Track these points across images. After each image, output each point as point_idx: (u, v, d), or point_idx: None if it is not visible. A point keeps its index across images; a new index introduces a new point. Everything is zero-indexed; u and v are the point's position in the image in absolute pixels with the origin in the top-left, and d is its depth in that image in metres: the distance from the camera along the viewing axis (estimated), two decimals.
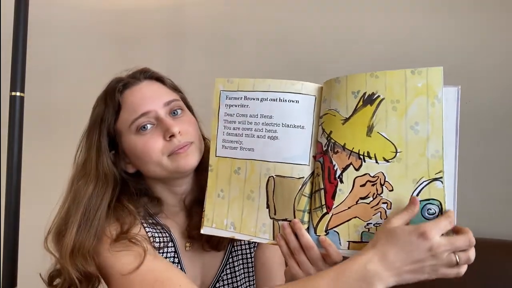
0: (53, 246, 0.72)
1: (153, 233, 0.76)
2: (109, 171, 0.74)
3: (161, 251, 0.76)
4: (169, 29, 1.52)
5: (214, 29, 1.48)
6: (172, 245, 0.78)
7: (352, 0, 1.36)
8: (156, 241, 0.75)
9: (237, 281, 0.83)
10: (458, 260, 0.52)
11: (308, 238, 0.62)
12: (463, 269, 0.53)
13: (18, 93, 1.09)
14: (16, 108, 1.09)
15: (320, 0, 1.39)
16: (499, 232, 1.14)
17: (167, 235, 0.78)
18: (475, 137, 1.19)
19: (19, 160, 1.09)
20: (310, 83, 0.65)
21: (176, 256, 0.78)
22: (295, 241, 0.62)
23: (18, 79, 1.10)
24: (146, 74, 0.79)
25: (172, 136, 0.71)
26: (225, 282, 0.82)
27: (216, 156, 0.70)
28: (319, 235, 0.62)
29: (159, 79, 0.80)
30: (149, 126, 0.73)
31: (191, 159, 0.73)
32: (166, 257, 0.77)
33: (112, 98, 0.75)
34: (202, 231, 0.70)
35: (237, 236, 0.68)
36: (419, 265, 0.52)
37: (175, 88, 0.82)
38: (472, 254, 0.54)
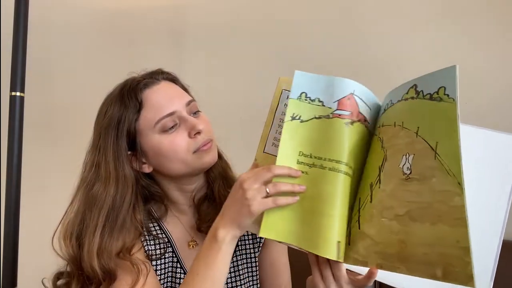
0: (66, 248, 0.71)
1: (150, 247, 0.78)
2: (129, 173, 0.74)
3: (159, 261, 0.78)
4: (169, 29, 1.52)
5: (214, 29, 1.48)
6: (171, 250, 0.80)
7: (355, 4, 1.36)
8: (153, 253, 0.77)
9: (240, 280, 0.83)
10: (268, 191, 0.59)
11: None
12: (281, 201, 0.59)
13: (18, 93, 1.09)
14: (16, 108, 1.09)
15: (321, 3, 1.39)
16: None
17: (166, 240, 0.80)
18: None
19: (19, 160, 1.09)
20: None
21: (174, 255, 0.80)
22: None
23: (18, 79, 1.10)
24: (164, 75, 0.80)
25: (198, 133, 0.74)
26: (228, 280, 0.82)
27: (264, 152, 0.69)
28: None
29: (174, 80, 0.82)
30: (172, 125, 0.74)
31: (214, 155, 0.76)
32: (165, 261, 0.79)
33: (131, 98, 0.74)
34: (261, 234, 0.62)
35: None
36: (239, 202, 0.60)
37: (185, 89, 0.84)
38: (281, 185, 0.59)
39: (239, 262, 0.84)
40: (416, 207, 0.51)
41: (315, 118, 0.61)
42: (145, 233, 0.78)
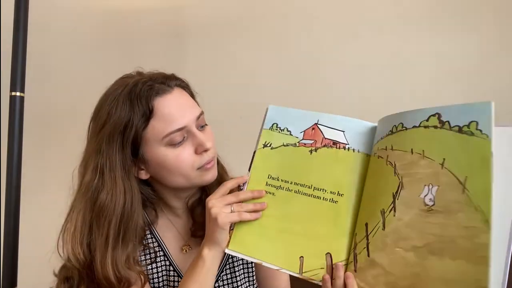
0: (76, 256, 0.70)
1: (141, 257, 0.79)
2: (135, 183, 0.74)
3: (150, 266, 0.79)
4: (169, 29, 1.51)
5: (214, 29, 1.48)
6: (163, 254, 0.81)
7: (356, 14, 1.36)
8: (142, 259, 0.79)
9: (237, 281, 0.83)
10: (232, 209, 0.66)
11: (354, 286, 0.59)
12: (245, 216, 0.66)
13: (18, 93, 1.09)
14: (16, 108, 1.09)
15: (322, 4, 1.39)
16: None
17: (156, 245, 0.80)
18: None
19: (19, 160, 1.09)
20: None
21: (167, 259, 0.81)
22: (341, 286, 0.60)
23: (18, 79, 1.10)
24: (176, 82, 0.76)
25: (205, 151, 0.73)
26: (225, 282, 0.83)
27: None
28: None
29: (185, 87, 0.79)
30: (181, 140, 0.72)
31: (215, 172, 0.77)
32: (157, 265, 0.80)
33: (142, 103, 0.70)
34: (226, 251, 0.68)
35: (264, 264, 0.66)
36: (209, 220, 0.67)
37: (193, 95, 0.81)
38: (244, 205, 0.67)
39: (236, 264, 0.84)
40: (437, 240, 0.50)
41: (283, 145, 0.70)
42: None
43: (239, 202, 0.68)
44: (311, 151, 0.68)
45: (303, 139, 0.69)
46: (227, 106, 1.44)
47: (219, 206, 0.66)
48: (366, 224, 0.59)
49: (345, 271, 0.60)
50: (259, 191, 0.68)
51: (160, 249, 0.80)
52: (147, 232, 0.81)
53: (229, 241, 0.67)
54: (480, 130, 0.50)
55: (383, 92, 1.27)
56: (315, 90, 1.36)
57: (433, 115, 0.55)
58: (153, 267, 0.80)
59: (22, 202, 1.09)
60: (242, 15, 1.47)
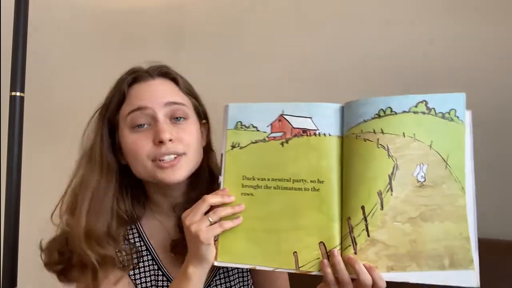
0: (65, 221, 0.72)
1: (122, 252, 0.74)
2: (111, 161, 0.73)
3: (135, 265, 0.76)
4: (169, 29, 1.52)
5: (214, 29, 1.48)
6: (149, 253, 0.78)
7: (353, 8, 1.36)
8: (125, 258, 0.74)
9: (231, 286, 0.81)
10: (210, 220, 0.62)
11: (362, 269, 0.59)
12: (226, 224, 0.63)
13: (18, 93, 1.10)
14: (16, 108, 1.09)
15: (322, 4, 1.39)
16: (498, 232, 1.14)
17: (142, 244, 0.78)
18: (475, 137, 1.19)
19: (19, 160, 1.09)
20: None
21: (154, 263, 0.77)
22: (345, 272, 0.60)
23: (18, 79, 1.10)
24: (161, 71, 0.76)
25: (161, 142, 0.68)
26: (218, 287, 0.80)
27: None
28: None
29: (174, 79, 0.77)
30: (145, 126, 0.70)
31: (178, 174, 0.70)
32: (143, 266, 0.77)
33: (119, 88, 0.73)
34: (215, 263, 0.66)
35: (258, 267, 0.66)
36: (189, 238, 0.64)
37: (189, 93, 0.78)
38: (221, 210, 0.63)
39: (230, 273, 0.82)
40: (428, 209, 0.60)
41: (252, 143, 0.67)
42: (118, 247, 0.73)
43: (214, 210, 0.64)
44: (282, 144, 0.66)
45: (271, 133, 0.67)
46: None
47: (196, 221, 0.62)
48: (363, 207, 0.61)
49: (341, 255, 0.61)
50: (228, 196, 0.65)
51: (147, 252, 0.78)
52: (134, 230, 0.78)
53: (216, 254, 0.65)
54: (458, 117, 0.61)
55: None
56: (316, 90, 1.36)
57: (421, 102, 0.61)
58: (140, 271, 0.76)
59: (22, 202, 1.09)
60: (242, 15, 1.47)
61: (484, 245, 1.05)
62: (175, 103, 0.72)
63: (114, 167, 0.73)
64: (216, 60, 1.48)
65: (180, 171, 0.70)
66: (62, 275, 0.73)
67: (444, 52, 1.24)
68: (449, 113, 0.61)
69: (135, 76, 0.74)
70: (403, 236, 0.60)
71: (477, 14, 1.23)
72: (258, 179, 0.66)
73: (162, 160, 0.69)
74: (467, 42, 1.23)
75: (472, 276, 0.58)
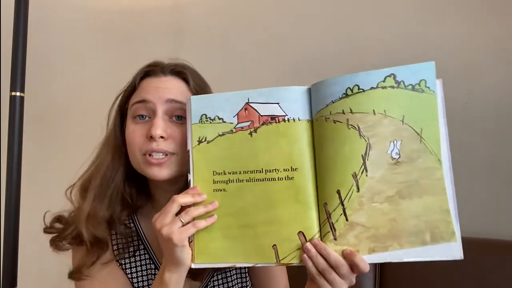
0: (77, 198, 0.75)
1: (119, 245, 0.76)
2: (122, 145, 0.74)
3: (131, 259, 0.77)
4: (169, 29, 1.52)
5: (214, 29, 1.48)
6: (143, 247, 0.78)
7: (350, 5, 1.36)
8: (121, 251, 0.76)
9: (229, 287, 0.81)
10: (182, 220, 0.60)
11: (336, 256, 0.58)
12: (200, 224, 0.61)
13: (18, 93, 1.10)
14: (16, 108, 1.10)
15: (319, 2, 1.39)
16: (498, 232, 1.15)
17: (136, 238, 0.78)
18: (475, 137, 1.19)
19: (19, 160, 1.09)
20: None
21: (149, 257, 0.78)
22: (323, 262, 0.58)
23: (18, 79, 1.10)
24: (174, 70, 0.76)
25: (152, 138, 0.68)
26: None
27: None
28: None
29: (185, 79, 0.76)
30: (146, 118, 0.71)
31: (163, 172, 0.69)
32: (141, 264, 0.77)
33: (134, 79, 0.75)
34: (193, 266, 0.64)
35: (238, 265, 0.65)
36: (163, 243, 0.62)
37: (196, 93, 0.76)
38: (193, 210, 0.61)
39: (228, 274, 0.81)
40: (405, 186, 0.58)
41: (219, 135, 0.65)
42: (115, 229, 0.76)
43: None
44: (250, 133, 0.63)
45: (238, 123, 0.64)
46: None
47: (167, 223, 0.60)
48: (338, 191, 0.59)
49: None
50: (198, 195, 0.63)
51: (144, 250, 0.78)
52: (131, 223, 0.79)
53: (193, 255, 0.63)
54: (428, 87, 0.59)
55: None
56: None
57: (389, 76, 0.59)
58: (136, 265, 0.77)
59: (22, 202, 1.09)
60: (242, 15, 1.47)
61: (484, 245, 1.06)
62: (176, 101, 0.71)
63: (124, 152, 0.74)
64: (216, 60, 1.48)
65: (166, 170, 0.69)
66: (54, 244, 0.74)
67: (444, 52, 1.24)
68: (419, 84, 0.59)
69: (148, 70, 0.75)
70: (382, 216, 0.58)
71: (477, 14, 1.23)
72: (230, 173, 0.63)
73: (151, 155, 0.68)
74: (467, 42, 1.23)
75: (455, 248, 0.56)
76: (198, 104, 0.66)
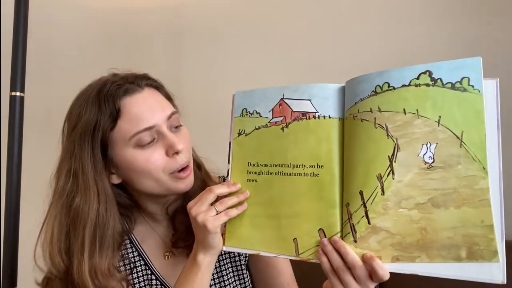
0: (56, 265, 0.69)
1: (119, 265, 0.76)
2: (108, 185, 0.71)
3: (130, 277, 0.76)
4: (169, 29, 1.52)
5: (214, 29, 1.48)
6: (143, 263, 0.78)
7: (350, 7, 1.36)
8: (122, 269, 0.75)
9: (223, 280, 0.81)
10: (217, 209, 0.64)
11: (354, 256, 0.56)
12: (232, 212, 0.64)
13: (18, 93, 1.09)
14: (16, 108, 1.09)
15: (320, 4, 1.39)
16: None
17: (136, 254, 0.78)
18: None
19: (19, 160, 1.09)
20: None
21: (147, 267, 0.78)
22: (339, 260, 0.57)
23: (18, 79, 1.10)
24: (148, 81, 0.73)
25: (176, 153, 0.69)
26: (211, 282, 0.80)
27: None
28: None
29: (158, 87, 0.76)
30: (149, 140, 0.69)
31: (190, 181, 0.72)
32: (137, 275, 0.77)
33: (109, 103, 0.68)
34: (224, 249, 0.68)
35: (262, 253, 0.65)
36: (197, 228, 0.65)
37: (169, 97, 0.78)
38: (227, 200, 0.64)
39: (223, 268, 0.81)
40: (440, 193, 0.53)
41: (256, 129, 0.67)
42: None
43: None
44: (282, 129, 0.65)
45: (273, 118, 0.66)
46: (226, 106, 1.44)
47: (203, 211, 0.63)
48: (361, 192, 0.57)
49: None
50: (234, 184, 0.66)
51: (140, 258, 0.78)
52: (126, 240, 0.78)
53: (224, 239, 0.67)
54: (472, 86, 0.53)
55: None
56: None
57: (424, 73, 0.55)
58: (133, 277, 0.77)
59: (22, 202, 1.09)
60: (242, 15, 1.47)
61: None
62: (173, 113, 0.72)
63: (111, 191, 0.71)
64: (216, 60, 1.48)
65: (191, 179, 0.72)
66: None
67: (444, 51, 1.24)
68: (460, 82, 0.53)
69: (125, 89, 0.70)
70: (410, 224, 0.54)
71: (477, 13, 1.23)
72: (261, 165, 0.66)
73: (180, 171, 0.70)
74: (467, 41, 1.23)
75: (496, 269, 0.50)
76: (240, 99, 0.70)
